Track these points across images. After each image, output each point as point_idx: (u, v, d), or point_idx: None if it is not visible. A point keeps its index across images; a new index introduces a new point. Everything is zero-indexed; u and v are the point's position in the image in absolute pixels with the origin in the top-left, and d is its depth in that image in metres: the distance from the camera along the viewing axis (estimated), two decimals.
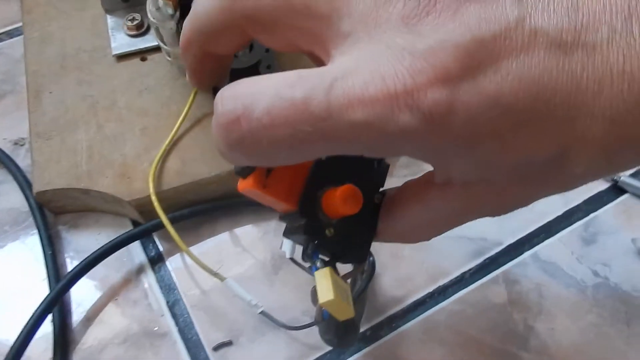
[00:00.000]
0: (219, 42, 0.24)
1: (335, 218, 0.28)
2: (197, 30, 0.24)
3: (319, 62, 0.22)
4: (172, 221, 0.43)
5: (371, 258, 0.40)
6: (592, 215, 0.48)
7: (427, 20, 0.18)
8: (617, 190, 0.49)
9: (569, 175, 0.20)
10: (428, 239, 0.27)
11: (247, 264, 0.45)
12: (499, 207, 0.24)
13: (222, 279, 0.42)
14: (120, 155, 0.46)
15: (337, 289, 0.27)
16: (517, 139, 0.19)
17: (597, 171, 0.20)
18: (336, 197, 0.27)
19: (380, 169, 0.30)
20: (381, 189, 0.30)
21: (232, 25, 0.22)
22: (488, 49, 0.18)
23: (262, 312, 0.41)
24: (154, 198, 0.42)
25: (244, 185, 0.26)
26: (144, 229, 0.45)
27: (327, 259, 0.29)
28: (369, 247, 0.31)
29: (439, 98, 0.18)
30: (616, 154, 0.19)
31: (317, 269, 0.28)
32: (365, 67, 0.18)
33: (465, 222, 0.25)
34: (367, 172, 0.29)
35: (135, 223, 0.47)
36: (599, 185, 0.49)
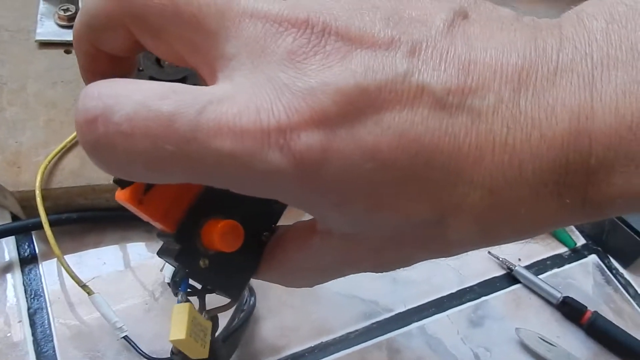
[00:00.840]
0: (106, 40, 0.21)
1: (212, 250, 0.26)
2: (85, 24, 0.21)
3: (203, 81, 0.21)
4: (56, 223, 0.40)
5: (252, 299, 0.39)
6: (483, 298, 0.48)
7: (314, 60, 0.17)
8: (510, 278, 0.50)
9: (446, 241, 0.20)
10: (309, 286, 0.26)
11: (127, 283, 0.42)
12: (378, 265, 0.23)
13: (90, 292, 0.39)
14: (15, 143, 0.43)
15: (193, 328, 0.25)
16: (391, 198, 0.18)
17: (474, 241, 0.20)
18: (215, 231, 0.25)
19: (276, 207, 0.29)
20: (272, 226, 0.29)
21: (118, 23, 0.20)
22: (370, 98, 0.17)
23: (124, 337, 0.38)
24: (38, 193, 0.39)
25: (120, 197, 0.24)
26: (20, 226, 0.41)
27: (198, 286, 0.27)
28: (246, 284, 0.29)
29: (312, 142, 0.17)
30: (492, 226, 0.19)
31: (179, 301, 0.26)
32: (242, 96, 0.17)
33: (346, 275, 0.24)
34: (260, 207, 0.28)
35: (15, 218, 0.44)
36: (494, 271, 0.50)
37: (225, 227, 0.25)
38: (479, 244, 0.20)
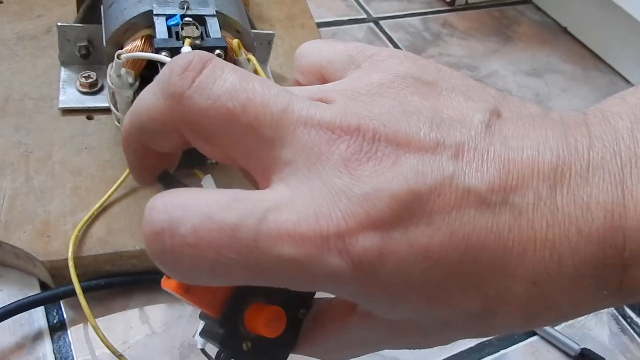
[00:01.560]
0: (158, 142, 0.22)
1: (255, 334, 0.27)
2: (136, 127, 0.22)
3: (252, 181, 0.22)
4: (85, 290, 0.41)
5: None
6: (502, 351, 0.48)
7: (367, 166, 0.18)
8: (528, 331, 0.51)
9: (490, 327, 0.21)
10: (348, 359, 0.27)
11: (155, 348, 0.43)
12: (420, 344, 0.24)
13: None
14: (44, 212, 0.44)
15: None
16: (443, 293, 0.19)
17: (515, 327, 0.21)
18: (260, 317, 0.26)
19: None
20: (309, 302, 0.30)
21: (171, 128, 0.21)
22: (422, 202, 0.18)
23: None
24: (71, 264, 0.40)
25: (167, 286, 0.25)
26: (52, 295, 0.42)
27: None
28: None
29: (370, 245, 0.18)
30: (535, 315, 0.20)
31: None
32: (300, 203, 0.18)
33: (384, 349, 0.25)
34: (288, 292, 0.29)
35: (43, 285, 0.44)
36: None
37: (270, 314, 0.26)
38: (520, 329, 0.21)
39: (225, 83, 0.20)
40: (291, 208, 0.18)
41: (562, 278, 0.19)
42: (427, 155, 0.19)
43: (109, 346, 0.39)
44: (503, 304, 0.20)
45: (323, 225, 0.18)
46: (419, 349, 0.24)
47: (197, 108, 0.20)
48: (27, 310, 0.42)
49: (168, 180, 0.27)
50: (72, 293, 0.40)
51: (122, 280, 0.44)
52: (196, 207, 0.18)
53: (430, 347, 0.24)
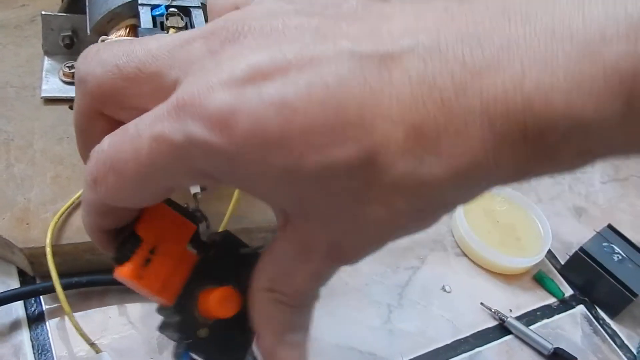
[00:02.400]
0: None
1: (211, 319, 0.27)
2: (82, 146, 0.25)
3: None
4: (66, 287, 0.41)
5: None
6: (477, 349, 0.49)
7: (228, 48, 0.20)
8: (503, 329, 0.51)
9: (382, 187, 0.20)
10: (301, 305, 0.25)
11: (131, 340, 0.43)
12: (338, 249, 0.22)
13: (97, 350, 0.40)
14: (24, 199, 0.44)
15: None
16: (310, 146, 0.19)
17: (407, 184, 0.20)
18: (212, 298, 0.26)
19: None
20: None
21: (92, 111, 0.23)
22: (276, 61, 0.19)
23: None
24: (48, 250, 0.40)
25: (119, 274, 0.25)
26: (32, 290, 0.42)
27: None
28: (246, 351, 0.30)
29: (221, 102, 0.18)
30: (421, 162, 0.19)
31: None
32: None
33: (315, 275, 0.24)
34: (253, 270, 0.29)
35: (21, 273, 0.44)
36: (487, 322, 0.52)
37: (220, 293, 0.26)
38: (413, 190, 0.20)
39: (112, 48, 0.22)
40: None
41: (448, 120, 0.19)
42: (287, 28, 0.20)
43: (82, 334, 0.39)
44: (383, 152, 0.19)
45: (179, 98, 0.19)
46: (345, 259, 0.23)
47: (97, 76, 0.22)
48: (6, 303, 0.41)
49: None
50: (51, 289, 0.40)
51: (104, 279, 0.44)
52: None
53: (356, 255, 0.23)
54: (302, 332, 0.26)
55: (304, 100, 0.18)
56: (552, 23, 0.18)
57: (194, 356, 0.28)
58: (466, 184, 0.20)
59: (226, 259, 0.28)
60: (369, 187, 0.20)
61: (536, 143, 0.19)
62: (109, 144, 0.21)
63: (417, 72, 0.19)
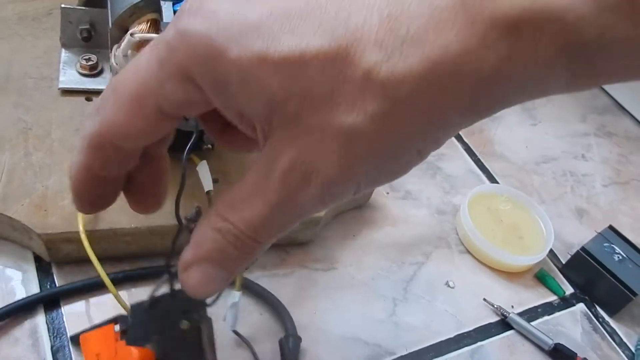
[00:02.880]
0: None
1: None
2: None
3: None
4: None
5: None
6: (479, 343, 0.50)
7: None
8: (505, 325, 0.53)
9: (356, 84, 0.19)
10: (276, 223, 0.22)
11: None
12: (302, 168, 0.20)
13: None
14: (42, 187, 0.45)
15: None
16: (285, 30, 0.19)
17: (382, 72, 0.18)
18: None
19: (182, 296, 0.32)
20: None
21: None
22: None
23: None
24: (83, 236, 0.42)
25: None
26: (51, 294, 0.44)
27: None
28: None
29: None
30: (397, 50, 0.18)
31: None
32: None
33: (271, 207, 0.21)
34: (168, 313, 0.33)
35: (37, 258, 0.45)
36: (490, 317, 0.53)
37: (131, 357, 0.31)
38: (385, 86, 0.19)
39: None
40: None
41: (430, 10, 0.18)
42: None
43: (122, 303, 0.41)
44: (358, 41, 0.18)
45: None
46: (305, 188, 0.21)
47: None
48: (29, 309, 0.43)
49: None
50: (70, 293, 0.43)
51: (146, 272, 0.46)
52: None
53: (350, 170, 0.20)
54: (228, 273, 0.24)
55: None
56: None
57: None
58: (443, 83, 0.18)
59: (145, 322, 0.33)
60: (340, 84, 0.19)
61: (518, 34, 0.18)
62: (118, 75, 0.22)
63: None
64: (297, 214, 0.22)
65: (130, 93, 0.21)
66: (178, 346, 0.32)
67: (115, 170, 0.25)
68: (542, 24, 0.18)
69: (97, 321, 0.39)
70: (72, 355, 0.41)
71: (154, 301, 0.32)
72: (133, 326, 0.33)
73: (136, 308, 0.33)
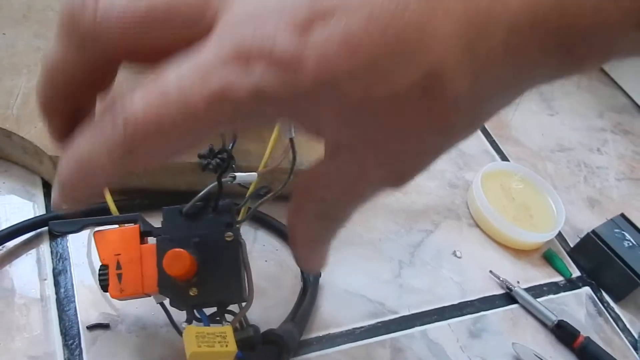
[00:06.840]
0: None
1: (182, 280, 0.31)
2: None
3: None
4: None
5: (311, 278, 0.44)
6: (482, 313, 0.50)
7: None
8: (509, 298, 0.52)
9: (445, 99, 0.20)
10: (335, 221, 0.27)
11: None
12: (395, 172, 0.23)
13: None
14: None
15: (202, 339, 0.30)
16: (377, 75, 0.19)
17: (469, 90, 0.20)
18: (164, 262, 0.31)
19: (223, 211, 0.34)
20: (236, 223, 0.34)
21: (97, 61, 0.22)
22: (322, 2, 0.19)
23: (160, 303, 0.39)
24: None
25: (111, 297, 0.33)
26: (57, 216, 0.42)
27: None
28: (240, 283, 0.33)
29: (289, 45, 0.18)
30: (479, 68, 0.20)
31: (182, 327, 0.32)
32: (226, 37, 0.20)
33: (365, 197, 0.25)
34: (209, 223, 0.33)
35: (45, 185, 0.45)
36: (494, 290, 0.52)
37: (169, 257, 0.31)
38: (476, 97, 0.20)
39: None
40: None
41: (496, 23, 0.19)
42: None
43: None
44: (441, 67, 0.19)
45: (237, 44, 0.19)
46: (397, 182, 0.24)
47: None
48: (35, 229, 0.43)
49: None
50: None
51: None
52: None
53: (405, 176, 0.24)
54: (330, 242, 0.28)
55: (366, 32, 0.19)
56: None
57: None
58: (515, 92, 0.22)
59: (179, 232, 0.33)
60: (432, 106, 0.20)
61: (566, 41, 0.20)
62: (145, 109, 0.20)
63: None
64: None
65: (186, 138, 0.21)
66: (219, 255, 0.32)
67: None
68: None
69: None
70: (74, 280, 0.40)
71: (189, 210, 0.32)
72: (164, 230, 0.33)
73: (169, 213, 0.33)
